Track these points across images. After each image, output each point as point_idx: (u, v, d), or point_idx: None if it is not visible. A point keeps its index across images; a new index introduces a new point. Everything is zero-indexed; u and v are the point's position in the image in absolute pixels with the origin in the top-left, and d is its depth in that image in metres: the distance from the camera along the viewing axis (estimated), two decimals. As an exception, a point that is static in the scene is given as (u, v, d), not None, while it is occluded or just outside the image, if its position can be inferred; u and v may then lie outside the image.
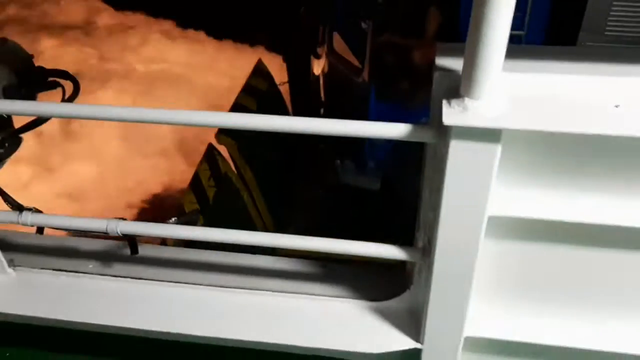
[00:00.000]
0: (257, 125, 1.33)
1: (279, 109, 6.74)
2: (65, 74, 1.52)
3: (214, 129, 5.83)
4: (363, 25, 5.89)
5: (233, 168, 5.92)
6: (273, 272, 1.73)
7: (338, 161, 6.38)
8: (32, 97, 1.50)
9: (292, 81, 6.87)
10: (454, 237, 1.36)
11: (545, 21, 5.18)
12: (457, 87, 1.21)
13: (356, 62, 5.72)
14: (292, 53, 6.80)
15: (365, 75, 5.39)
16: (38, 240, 1.77)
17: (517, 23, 5.10)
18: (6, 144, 1.62)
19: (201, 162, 5.65)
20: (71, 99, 1.48)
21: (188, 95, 10.22)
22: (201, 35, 12.57)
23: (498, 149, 1.21)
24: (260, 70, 7.04)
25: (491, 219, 1.34)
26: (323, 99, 6.35)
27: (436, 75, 1.27)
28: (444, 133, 1.23)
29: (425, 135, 1.28)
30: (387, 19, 5.76)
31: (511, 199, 1.33)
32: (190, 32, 12.93)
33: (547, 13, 5.16)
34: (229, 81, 10.83)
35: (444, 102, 1.20)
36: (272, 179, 6.43)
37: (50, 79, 1.50)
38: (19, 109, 1.31)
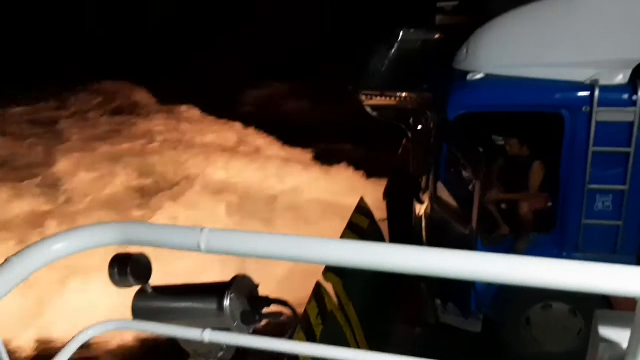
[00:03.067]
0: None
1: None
2: (284, 303, 1.93)
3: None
4: (464, 174, 6.29)
5: (338, 305, 6.20)
6: None
7: (438, 301, 6.53)
8: (261, 321, 1.91)
9: (391, 222, 7.27)
10: None
11: None
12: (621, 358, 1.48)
13: (460, 210, 6.03)
14: (393, 196, 7.25)
15: (472, 224, 5.65)
16: None
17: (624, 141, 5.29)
18: None
19: (310, 300, 5.98)
20: (290, 325, 1.87)
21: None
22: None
23: None
24: (362, 209, 7.51)
25: None
26: (425, 240, 6.62)
27: (601, 346, 1.54)
28: None
29: None
30: (492, 171, 6.13)
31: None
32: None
33: None
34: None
35: None
36: (374, 316, 6.65)
37: (274, 307, 1.91)
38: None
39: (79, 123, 17.93)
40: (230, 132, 16.16)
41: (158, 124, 17.12)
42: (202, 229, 1.50)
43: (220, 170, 13.81)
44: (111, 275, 1.86)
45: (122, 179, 13.73)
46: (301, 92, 17.78)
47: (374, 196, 8.38)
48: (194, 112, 17.64)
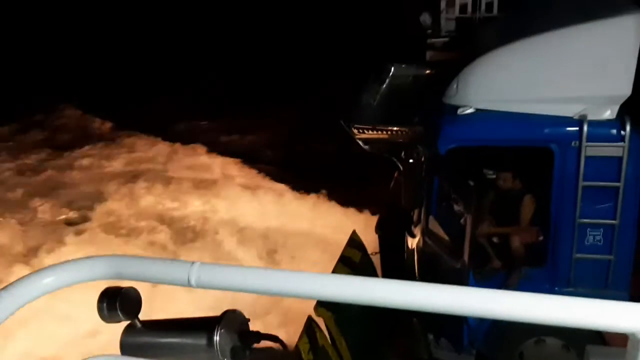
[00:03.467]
0: None
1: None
2: (274, 338, 1.91)
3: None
4: (456, 207, 6.30)
5: (329, 340, 6.11)
6: None
7: (431, 336, 6.47)
8: (251, 357, 1.88)
9: (384, 255, 7.25)
10: None
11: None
12: None
13: (452, 244, 6.02)
14: (385, 229, 7.25)
15: (464, 257, 5.63)
16: None
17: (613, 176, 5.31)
18: None
19: (301, 335, 5.90)
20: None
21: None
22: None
23: None
24: (354, 242, 7.49)
25: None
26: (417, 273, 6.59)
27: None
28: None
29: None
30: (483, 205, 6.14)
31: None
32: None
33: None
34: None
35: None
36: (366, 351, 6.56)
37: (264, 342, 1.89)
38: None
39: (16, 154, 17.67)
40: (165, 153, 16.29)
41: (102, 153, 16.99)
42: (192, 263, 1.50)
43: (157, 198, 13.63)
44: (100, 310, 1.83)
45: (47, 211, 13.53)
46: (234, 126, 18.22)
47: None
48: (138, 140, 17.58)
